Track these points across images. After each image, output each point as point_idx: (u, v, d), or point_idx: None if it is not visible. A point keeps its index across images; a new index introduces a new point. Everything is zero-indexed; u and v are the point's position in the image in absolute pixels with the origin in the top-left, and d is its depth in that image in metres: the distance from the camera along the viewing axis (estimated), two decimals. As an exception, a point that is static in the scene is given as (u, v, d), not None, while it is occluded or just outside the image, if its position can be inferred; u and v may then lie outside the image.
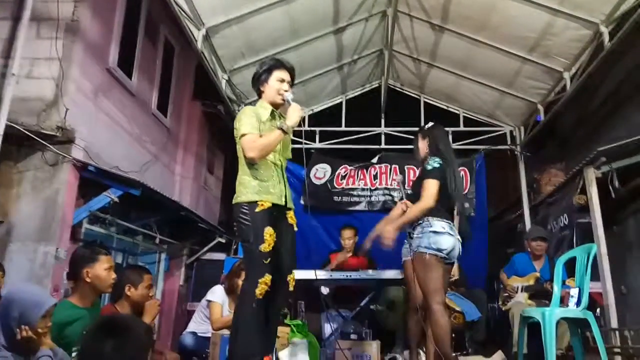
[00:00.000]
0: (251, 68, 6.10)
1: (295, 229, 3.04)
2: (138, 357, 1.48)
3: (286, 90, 3.01)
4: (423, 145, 3.58)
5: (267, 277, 2.72)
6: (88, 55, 4.45)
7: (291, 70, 3.10)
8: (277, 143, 2.93)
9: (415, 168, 7.08)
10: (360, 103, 7.78)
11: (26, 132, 3.84)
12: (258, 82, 3.08)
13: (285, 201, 2.95)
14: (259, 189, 2.84)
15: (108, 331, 1.46)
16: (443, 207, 3.36)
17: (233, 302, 4.42)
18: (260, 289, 2.69)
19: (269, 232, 2.76)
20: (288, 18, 5.54)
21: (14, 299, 2.09)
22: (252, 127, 2.87)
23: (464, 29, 5.71)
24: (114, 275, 2.92)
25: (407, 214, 3.40)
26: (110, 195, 4.21)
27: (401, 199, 3.72)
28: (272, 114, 3.01)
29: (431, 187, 3.29)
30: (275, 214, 2.86)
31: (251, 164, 2.88)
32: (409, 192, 3.74)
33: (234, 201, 2.89)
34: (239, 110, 6.67)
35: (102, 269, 2.81)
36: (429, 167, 3.37)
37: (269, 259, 2.75)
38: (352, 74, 7.24)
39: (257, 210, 2.78)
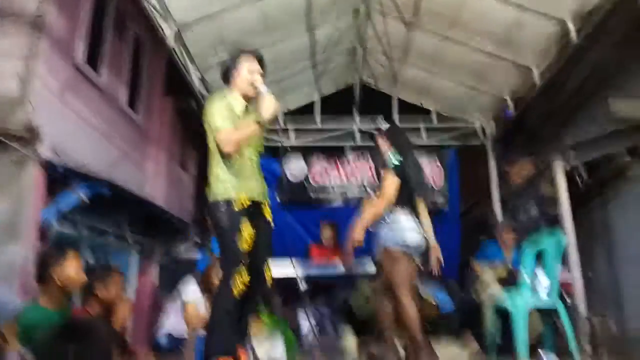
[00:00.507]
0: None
1: (272, 225, 3.00)
2: (102, 358, 1.45)
3: (258, 81, 2.90)
4: (383, 144, 3.68)
5: (244, 274, 2.69)
6: (54, 51, 4.32)
7: (261, 60, 3.00)
8: (253, 136, 2.86)
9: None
10: (334, 100, 7.80)
11: (-10, 130, 3.72)
12: (227, 71, 2.97)
13: (263, 196, 2.92)
14: (237, 184, 2.78)
15: (69, 335, 1.42)
16: (408, 202, 3.44)
17: (209, 300, 4.38)
18: (238, 288, 2.66)
19: (246, 229, 2.72)
20: (261, 15, 5.51)
21: None
22: (225, 119, 2.78)
23: (436, 25, 5.78)
24: (83, 275, 2.85)
25: (371, 210, 3.44)
26: (79, 194, 4.10)
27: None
28: (246, 108, 2.94)
29: (389, 181, 3.38)
30: (252, 210, 2.82)
31: (227, 158, 2.79)
32: (375, 189, 3.83)
33: (210, 198, 2.81)
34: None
35: (71, 269, 2.75)
36: (390, 165, 3.46)
37: (246, 257, 2.72)
38: (326, 71, 7.24)
39: (234, 208, 2.73)
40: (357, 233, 3.39)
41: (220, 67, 3.03)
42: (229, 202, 2.74)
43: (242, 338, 2.88)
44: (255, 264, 2.82)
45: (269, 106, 2.78)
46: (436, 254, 3.70)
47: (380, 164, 3.73)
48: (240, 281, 2.67)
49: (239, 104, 2.91)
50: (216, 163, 2.84)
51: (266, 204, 2.96)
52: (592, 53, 5.25)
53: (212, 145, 2.87)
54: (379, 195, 3.52)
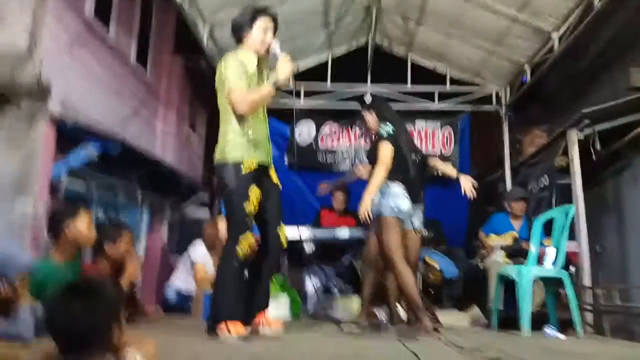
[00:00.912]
0: (234, 21, 5.92)
1: (280, 187, 3.00)
2: (109, 319, 1.47)
3: (271, 40, 2.87)
4: (372, 118, 3.76)
5: (250, 236, 2.69)
6: (63, 5, 4.24)
7: (275, 18, 2.93)
8: (269, 98, 2.83)
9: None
10: (346, 61, 7.64)
11: (-1, 84, 3.69)
12: (240, 30, 2.90)
13: (270, 159, 2.92)
14: (247, 147, 2.75)
15: (77, 293, 1.44)
16: (399, 171, 3.53)
17: (217, 258, 4.45)
18: (243, 247, 2.66)
19: (253, 191, 2.70)
20: (273, -31, 5.33)
21: None
22: (240, 79, 2.73)
23: (454, -15, 5.58)
24: (94, 231, 2.90)
25: (373, 180, 3.51)
26: (89, 150, 4.11)
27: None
28: (258, 65, 2.88)
29: (386, 150, 3.47)
30: (260, 173, 2.80)
31: (241, 118, 2.75)
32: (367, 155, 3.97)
33: (218, 157, 2.79)
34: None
35: (82, 224, 2.79)
36: (383, 133, 3.53)
37: (252, 219, 2.72)
38: (338, 30, 7.06)
39: (242, 171, 2.71)
40: (366, 203, 3.44)
41: (232, 25, 2.95)
42: (237, 165, 2.72)
43: (262, 301, 2.89)
44: (267, 227, 2.83)
45: (285, 68, 2.75)
46: (467, 182, 3.97)
47: (368, 136, 3.79)
48: (246, 243, 2.67)
49: (251, 63, 2.85)
50: (227, 123, 2.80)
51: (272, 166, 2.95)
52: (615, 18, 5.07)
53: (223, 105, 2.82)
54: (371, 166, 3.62)
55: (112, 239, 3.09)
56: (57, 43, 4.19)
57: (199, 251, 4.45)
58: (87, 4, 4.62)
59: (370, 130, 3.80)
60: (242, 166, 2.72)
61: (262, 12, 2.89)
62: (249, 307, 2.82)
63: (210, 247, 4.47)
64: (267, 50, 2.88)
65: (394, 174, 3.48)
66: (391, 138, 3.51)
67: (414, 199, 4.01)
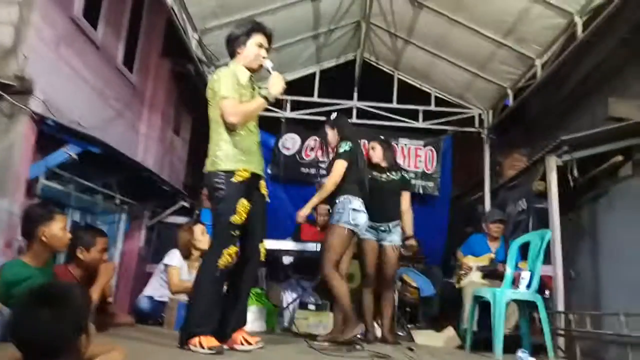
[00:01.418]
0: (224, 29, 5.90)
1: (267, 199, 3.02)
2: (75, 327, 1.43)
3: (264, 57, 2.92)
4: (332, 134, 3.88)
5: (233, 249, 2.69)
6: (50, 1, 4.19)
7: (270, 36, 2.99)
8: (259, 111, 2.88)
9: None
10: (334, 74, 7.69)
11: (-21, 79, 3.62)
12: (235, 43, 2.95)
13: (261, 170, 2.94)
14: (240, 157, 2.77)
15: (43, 300, 1.40)
16: (357, 185, 3.66)
17: (193, 264, 4.40)
18: (224, 259, 2.65)
19: (242, 204, 2.71)
20: (265, -21, 5.37)
21: None
22: (233, 90, 2.77)
23: (443, 7, 5.68)
24: (69, 235, 2.84)
25: (318, 193, 3.75)
26: (69, 151, 4.04)
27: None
28: (250, 79, 2.93)
29: (338, 167, 3.61)
30: (250, 183, 2.81)
31: (231, 129, 2.78)
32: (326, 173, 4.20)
33: (210, 168, 2.80)
34: (210, 72, 6.51)
35: (58, 228, 2.73)
36: (341, 150, 3.67)
37: (237, 231, 2.72)
38: (327, 44, 7.12)
39: (233, 180, 2.72)
40: (303, 211, 3.78)
41: (228, 37, 3.00)
42: (228, 174, 2.73)
43: (240, 317, 2.87)
44: (249, 239, 2.83)
45: (277, 83, 2.83)
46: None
47: (326, 151, 4.00)
48: (227, 253, 2.66)
49: (243, 75, 2.90)
50: (218, 133, 2.83)
51: (263, 178, 2.97)
52: (597, 49, 5.21)
53: (214, 114, 2.86)
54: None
55: (86, 245, 3.02)
56: (42, 41, 4.13)
57: (173, 257, 4.39)
58: (76, 3, 4.56)
59: (330, 145, 3.93)
60: (234, 176, 2.73)
61: (259, 29, 2.95)
62: (226, 323, 2.79)
63: (185, 255, 4.42)
64: (259, 67, 2.93)
65: (353, 190, 3.62)
66: (347, 156, 3.64)
67: (392, 216, 4.09)
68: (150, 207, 6.05)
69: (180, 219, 5.94)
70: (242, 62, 2.93)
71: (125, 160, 4.64)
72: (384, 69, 7.59)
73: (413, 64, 7.17)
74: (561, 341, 4.27)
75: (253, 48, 2.91)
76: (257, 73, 3.00)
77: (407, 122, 7.44)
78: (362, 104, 7.52)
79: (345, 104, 7.52)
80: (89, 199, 4.99)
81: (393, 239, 4.15)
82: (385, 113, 7.44)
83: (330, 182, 3.61)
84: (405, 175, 4.39)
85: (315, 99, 7.42)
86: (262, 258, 2.95)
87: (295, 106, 7.48)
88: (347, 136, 3.77)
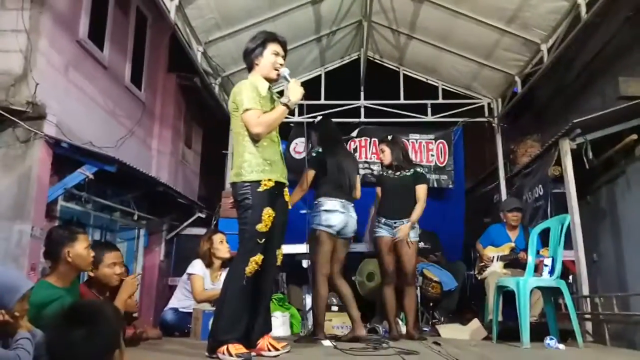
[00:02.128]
0: (227, 40, 5.97)
1: (290, 206, 3.07)
2: (110, 344, 1.46)
3: (281, 65, 2.98)
4: (315, 138, 4.01)
5: (259, 257, 2.73)
6: (57, 27, 4.27)
7: (284, 44, 3.06)
8: (282, 119, 2.92)
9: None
10: (339, 75, 7.70)
11: (-6, 107, 3.71)
12: (252, 55, 3.01)
13: (285, 178, 2.98)
14: (264, 167, 2.82)
15: (77, 320, 1.42)
16: (335, 188, 3.74)
17: (215, 273, 4.44)
18: (251, 267, 2.70)
19: (267, 213, 2.76)
20: (265, -12, 5.41)
21: None
22: (255, 101, 2.82)
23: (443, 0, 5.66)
24: (92, 254, 2.88)
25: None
26: (85, 172, 4.11)
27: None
28: (269, 89, 2.99)
29: (305, 175, 3.74)
30: (276, 192, 2.87)
31: (255, 140, 2.83)
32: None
33: (235, 179, 2.85)
34: (216, 83, 6.58)
35: (82, 248, 2.77)
36: (309, 157, 3.82)
37: (263, 239, 2.76)
38: (330, 45, 7.14)
39: (259, 189, 2.77)
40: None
41: (245, 51, 3.06)
42: (254, 184, 2.78)
43: (265, 323, 2.91)
44: (271, 244, 2.86)
45: (296, 90, 2.89)
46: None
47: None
48: (254, 260, 2.71)
49: (263, 86, 2.95)
50: (242, 145, 2.87)
51: (286, 185, 3.01)
52: (603, 29, 5.16)
53: (237, 127, 2.90)
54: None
55: (94, 262, 3.00)
56: (51, 66, 4.22)
57: (196, 265, 4.43)
58: (81, 26, 4.65)
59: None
60: (259, 186, 2.78)
61: (272, 38, 3.01)
62: (251, 330, 2.81)
63: (207, 264, 4.46)
64: (278, 76, 2.99)
65: (328, 192, 3.70)
66: (312, 163, 3.78)
67: (405, 212, 4.09)
68: (168, 221, 6.13)
69: (197, 230, 6.00)
70: (261, 72, 2.99)
71: (140, 177, 4.70)
72: (389, 66, 7.58)
73: (417, 58, 7.15)
74: (589, 325, 4.23)
75: (270, 57, 2.97)
76: (275, 83, 3.08)
77: (416, 117, 7.42)
78: (369, 103, 7.52)
79: (353, 103, 7.52)
80: (108, 217, 5.06)
81: (409, 235, 4.13)
82: (393, 110, 7.43)
83: (296, 189, 3.75)
84: (419, 170, 4.37)
85: (323, 101, 7.43)
86: (279, 263, 3.00)
87: (303, 110, 7.50)
88: (322, 140, 3.89)
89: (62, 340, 1.39)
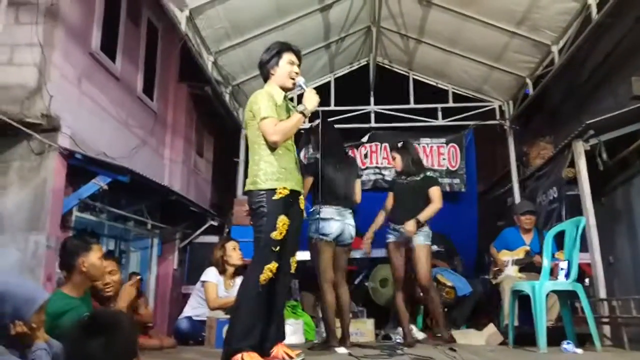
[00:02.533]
0: (237, 48, 6.03)
1: (304, 215, 3.07)
2: (127, 352, 1.47)
3: (297, 73, 3.00)
4: (313, 143, 3.99)
5: (274, 265, 2.73)
6: (70, 40, 4.34)
7: (299, 54, 3.08)
8: (298, 127, 2.93)
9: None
10: (348, 81, 7.72)
11: (10, 121, 3.76)
12: (267, 65, 3.04)
13: (300, 187, 2.98)
14: (279, 175, 2.83)
15: (95, 329, 1.44)
16: (331, 195, 3.68)
17: (228, 281, 4.45)
18: (265, 275, 2.70)
19: (282, 221, 2.77)
20: (273, -4, 5.45)
21: (5, 295, 2.06)
22: (271, 110, 2.84)
23: (451, 3, 5.67)
24: (106, 264, 2.91)
25: None
26: (99, 182, 4.16)
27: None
28: (284, 98, 3.02)
29: (304, 182, 3.64)
30: (291, 200, 2.87)
31: (272, 148, 2.85)
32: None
33: (251, 187, 2.86)
34: (227, 92, 6.63)
35: (96, 258, 2.81)
36: (306, 163, 3.62)
37: (278, 247, 2.76)
38: (340, 52, 7.17)
39: (274, 197, 2.78)
40: None
41: (260, 62, 3.09)
42: (269, 192, 2.79)
43: (278, 331, 2.91)
44: (284, 252, 2.85)
45: (311, 98, 2.91)
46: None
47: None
48: (268, 268, 2.71)
49: (279, 95, 2.98)
50: (258, 153, 2.89)
51: (301, 193, 3.02)
52: (614, 29, 5.11)
53: (253, 135, 2.92)
54: None
55: None
56: (65, 78, 4.28)
57: (210, 273, 4.44)
58: (93, 39, 4.72)
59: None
60: (275, 194, 2.79)
61: (287, 48, 3.04)
62: (265, 338, 2.80)
63: (220, 271, 4.48)
64: (293, 85, 3.02)
65: (324, 199, 3.65)
66: (308, 170, 3.73)
67: (414, 217, 4.04)
68: (181, 229, 6.16)
69: (210, 238, 6.03)
70: (276, 82, 3.02)
71: (153, 186, 4.74)
72: (398, 71, 7.58)
73: (427, 62, 7.14)
74: (606, 329, 4.16)
75: (285, 66, 3.00)
76: (291, 92, 3.12)
77: (426, 121, 7.40)
78: (379, 108, 7.52)
79: (363, 109, 7.53)
80: (122, 226, 5.11)
81: (418, 239, 4.09)
82: (403, 114, 7.42)
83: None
84: (429, 174, 4.33)
85: (333, 107, 7.45)
86: (292, 270, 2.99)
87: (313, 116, 7.51)
88: (319, 146, 3.84)
89: (81, 350, 1.41)
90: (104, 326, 1.47)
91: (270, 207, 2.77)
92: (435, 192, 4.13)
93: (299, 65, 3.06)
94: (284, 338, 2.95)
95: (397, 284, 4.18)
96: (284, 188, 2.81)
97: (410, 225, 3.97)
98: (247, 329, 2.67)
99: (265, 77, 3.08)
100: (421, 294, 4.22)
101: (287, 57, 3.01)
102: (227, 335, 2.78)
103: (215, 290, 4.36)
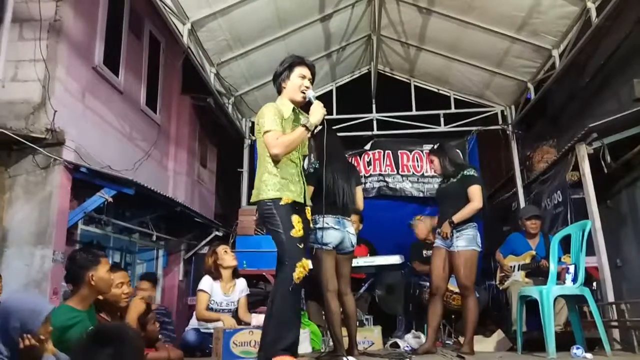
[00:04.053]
0: (238, 60, 6.07)
1: (312, 225, 3.09)
2: None
3: (307, 87, 3.01)
4: (314, 151, 3.84)
5: (305, 261, 2.72)
6: (73, 55, 4.39)
7: (312, 68, 3.10)
8: (301, 140, 2.93)
9: (408, 153, 7.12)
10: (350, 90, 7.75)
11: (15, 136, 3.80)
12: (279, 79, 3.06)
13: (304, 198, 2.97)
14: (279, 186, 2.84)
15: (103, 339, 1.46)
16: (329, 204, 3.57)
17: (227, 285, 4.38)
18: (298, 272, 2.68)
19: (297, 219, 2.79)
20: (274, 7, 5.49)
21: (12, 309, 2.07)
22: (275, 123, 2.86)
23: (451, 10, 5.69)
24: (118, 275, 2.92)
25: None
26: (104, 195, 4.18)
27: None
28: (293, 111, 3.02)
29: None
30: (297, 208, 2.88)
31: (275, 161, 2.87)
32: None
33: (255, 198, 2.89)
34: (229, 103, 6.67)
35: (104, 272, 2.80)
36: (307, 172, 3.65)
37: (302, 244, 2.77)
38: (341, 61, 7.21)
39: (281, 204, 2.80)
40: None
41: (274, 75, 3.11)
42: (275, 200, 2.81)
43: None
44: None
45: (317, 111, 2.91)
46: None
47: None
48: (300, 265, 2.69)
49: (287, 109, 3.00)
50: (264, 166, 2.91)
51: (308, 206, 3.02)
52: (614, 32, 5.12)
53: (260, 148, 2.96)
54: None
55: None
56: (69, 93, 4.32)
57: (203, 282, 4.37)
58: (96, 53, 4.76)
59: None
60: (280, 200, 2.81)
61: (299, 61, 3.06)
62: (297, 340, 2.79)
63: (215, 277, 4.41)
64: (303, 98, 3.02)
65: (322, 208, 3.51)
66: (310, 177, 3.62)
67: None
68: (186, 240, 6.17)
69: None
70: (287, 95, 3.04)
71: (158, 198, 4.76)
72: (400, 78, 7.61)
73: (428, 69, 7.17)
74: (616, 333, 4.12)
75: (296, 80, 3.00)
76: (302, 105, 3.08)
77: (429, 127, 7.41)
78: (381, 115, 7.54)
79: (365, 117, 7.55)
80: (127, 238, 5.12)
81: (458, 244, 3.92)
82: (405, 121, 7.44)
83: None
84: (466, 172, 4.07)
85: (335, 116, 7.48)
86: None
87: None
88: (319, 154, 3.75)
89: (91, 358, 1.42)
90: (112, 336, 1.48)
91: (280, 212, 2.79)
92: (473, 191, 3.94)
93: (311, 80, 3.06)
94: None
95: (432, 287, 4.08)
96: (287, 198, 2.83)
97: (444, 227, 3.88)
98: (282, 331, 2.66)
99: (278, 90, 3.10)
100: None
101: (299, 70, 3.02)
102: (261, 341, 2.78)
103: (206, 300, 4.28)
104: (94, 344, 1.45)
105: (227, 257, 4.41)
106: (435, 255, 4.04)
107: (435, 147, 4.31)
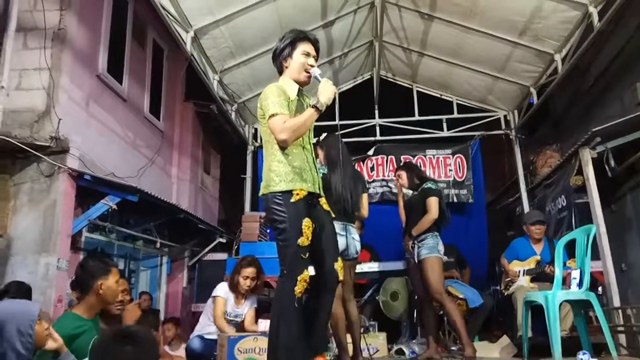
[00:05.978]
0: (241, 67, 6.10)
1: (333, 215, 2.77)
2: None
3: (312, 66, 2.67)
4: (321, 155, 3.84)
5: (306, 274, 2.44)
6: (77, 63, 4.42)
7: (316, 43, 2.75)
8: (311, 123, 2.60)
9: (411, 158, 7.12)
10: (353, 96, 7.76)
11: (19, 144, 3.82)
12: (280, 56, 2.71)
13: (319, 188, 2.67)
14: (292, 176, 2.52)
15: (125, 338, 1.50)
16: (335, 210, 3.40)
17: (239, 298, 4.39)
18: (300, 286, 2.41)
19: (307, 224, 2.46)
20: (276, 15, 5.51)
21: (6, 317, 2.07)
22: (281, 106, 2.52)
23: (453, 16, 5.70)
24: (122, 287, 2.92)
25: None
26: (108, 202, 4.19)
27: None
28: (299, 92, 2.71)
29: None
30: (310, 202, 2.59)
31: (283, 148, 2.55)
32: None
33: (264, 190, 2.57)
34: (232, 110, 6.69)
35: (114, 281, 2.78)
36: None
37: (307, 254, 2.46)
38: (343, 67, 7.23)
39: (292, 200, 2.48)
40: None
41: (274, 53, 2.77)
42: (286, 194, 2.50)
43: (319, 342, 2.61)
44: (323, 260, 2.57)
45: (326, 89, 2.58)
46: None
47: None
48: (302, 279, 2.42)
49: (292, 89, 2.68)
50: (271, 154, 2.60)
51: (322, 196, 2.72)
52: (616, 37, 5.13)
53: (265, 134, 2.64)
54: None
55: None
56: (73, 101, 4.34)
57: (219, 289, 4.35)
58: (100, 61, 4.79)
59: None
60: (292, 196, 2.50)
61: (303, 37, 2.71)
62: (307, 349, 2.51)
63: (233, 288, 4.41)
64: (308, 78, 2.70)
65: (335, 213, 3.51)
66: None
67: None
68: (190, 247, 6.17)
69: (219, 255, 6.02)
70: (290, 75, 2.69)
71: (162, 205, 4.77)
72: (402, 84, 7.62)
73: (430, 75, 7.17)
74: (622, 338, 4.10)
75: (299, 57, 2.66)
76: (307, 86, 2.76)
77: (432, 132, 7.42)
78: (384, 121, 7.55)
79: (368, 122, 7.56)
80: (131, 246, 5.13)
81: (421, 252, 4.10)
82: (408, 127, 7.44)
83: None
84: (425, 185, 4.27)
85: (337, 122, 7.47)
86: (341, 277, 2.62)
87: (318, 131, 7.53)
88: (327, 158, 3.75)
89: (113, 356, 1.46)
90: (133, 336, 1.52)
91: (290, 211, 2.46)
92: (429, 202, 4.11)
93: (316, 57, 2.71)
94: (326, 349, 2.79)
95: (417, 299, 4.21)
96: (301, 190, 2.52)
97: (405, 240, 4.11)
98: (288, 351, 2.39)
99: (279, 69, 2.76)
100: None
101: (302, 47, 2.67)
102: (268, 356, 2.50)
103: (223, 305, 4.27)
104: (118, 341, 1.50)
105: (243, 284, 4.28)
106: (409, 269, 4.30)
107: (402, 164, 4.52)
